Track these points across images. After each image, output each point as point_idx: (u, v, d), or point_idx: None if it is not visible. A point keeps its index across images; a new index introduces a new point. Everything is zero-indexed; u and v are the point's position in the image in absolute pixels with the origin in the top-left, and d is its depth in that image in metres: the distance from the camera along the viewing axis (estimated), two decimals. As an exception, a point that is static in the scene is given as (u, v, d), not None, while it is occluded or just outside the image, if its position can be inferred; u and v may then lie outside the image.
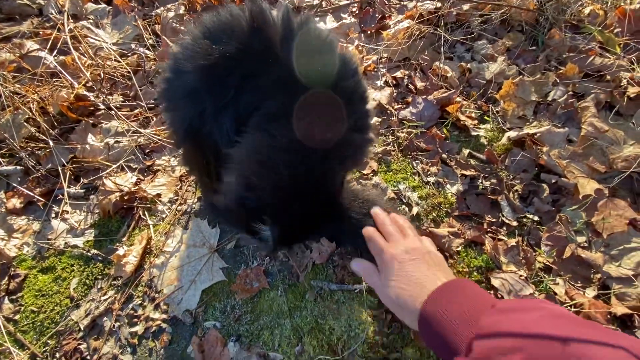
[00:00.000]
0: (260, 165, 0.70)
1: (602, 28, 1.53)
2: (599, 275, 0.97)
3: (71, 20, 1.57)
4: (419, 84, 1.44)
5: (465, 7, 1.62)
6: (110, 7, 1.78)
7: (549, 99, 1.35)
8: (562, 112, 1.30)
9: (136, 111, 1.36)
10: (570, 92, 1.35)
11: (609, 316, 0.88)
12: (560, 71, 1.42)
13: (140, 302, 0.95)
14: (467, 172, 1.18)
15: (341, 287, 0.95)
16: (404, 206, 1.12)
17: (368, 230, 0.81)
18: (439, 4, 1.63)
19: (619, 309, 0.88)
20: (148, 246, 1.04)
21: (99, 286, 0.98)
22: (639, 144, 1.20)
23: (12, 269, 1.00)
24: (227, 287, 0.97)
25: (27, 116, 1.25)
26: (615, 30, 1.55)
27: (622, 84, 1.34)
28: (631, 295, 0.92)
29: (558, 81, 1.39)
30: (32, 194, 1.12)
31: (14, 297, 0.96)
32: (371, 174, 1.21)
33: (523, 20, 1.60)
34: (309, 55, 0.72)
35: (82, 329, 0.90)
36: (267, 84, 0.71)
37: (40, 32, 1.57)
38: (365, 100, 0.84)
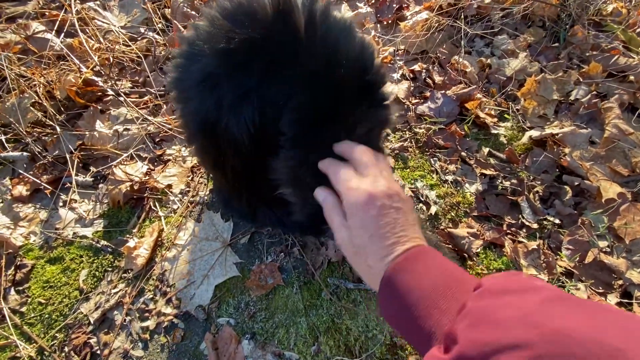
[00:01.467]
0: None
1: (625, 27, 1.49)
2: (620, 282, 0.95)
3: (78, 1, 1.51)
4: (437, 78, 1.40)
5: (487, 0, 1.57)
6: (118, -11, 1.72)
7: (572, 98, 1.32)
8: (585, 112, 1.27)
9: (145, 98, 1.31)
10: (593, 92, 1.32)
11: (632, 323, 0.86)
12: (583, 70, 1.38)
13: (151, 296, 0.92)
14: (487, 172, 1.15)
15: (358, 285, 0.93)
16: (421, 204, 1.10)
17: (327, 160, 0.62)
18: (459, -4, 1.58)
19: (643, 316, 0.86)
20: (159, 238, 1.01)
21: (109, 278, 0.95)
22: (662, 148, 1.17)
23: (19, 259, 0.97)
24: (241, 283, 0.94)
25: (33, 100, 1.21)
26: (638, 30, 1.51)
27: (645, 85, 1.31)
28: (654, 302, 0.90)
29: (580, 80, 1.35)
30: (39, 182, 1.09)
31: (20, 288, 0.93)
32: (387, 171, 1.18)
33: (545, 15, 1.56)
34: (333, 45, 0.68)
35: (92, 322, 0.87)
36: (293, 75, 0.67)
37: (46, 13, 1.51)
38: (385, 93, 0.79)
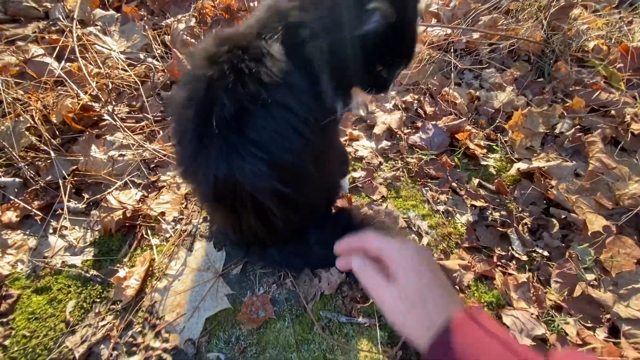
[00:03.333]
0: None
1: (606, 63, 1.57)
2: (608, 316, 0.96)
3: (79, 27, 1.54)
4: (429, 109, 1.45)
5: (475, 35, 1.64)
6: (119, 14, 1.76)
7: (557, 131, 1.37)
8: (570, 145, 1.32)
9: (142, 123, 1.33)
10: (577, 126, 1.37)
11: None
12: (567, 104, 1.44)
13: (140, 329, 0.90)
14: (477, 203, 1.17)
15: (350, 320, 0.93)
16: (413, 235, 1.11)
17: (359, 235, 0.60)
18: (448, 31, 1.66)
19: (631, 352, 0.87)
20: (150, 268, 1.00)
21: (96, 310, 0.93)
22: (644, 181, 1.21)
23: (4, 289, 0.94)
24: (232, 316, 0.93)
25: (28, 124, 1.21)
26: (619, 66, 1.59)
27: (626, 120, 1.37)
28: (641, 337, 0.91)
29: (565, 114, 1.41)
30: (30, 207, 1.07)
31: (4, 319, 0.90)
32: (380, 200, 1.20)
33: (530, 51, 1.63)
34: None
35: (77, 357, 0.85)
36: None
37: (46, 37, 1.53)
38: None
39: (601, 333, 0.93)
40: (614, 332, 0.94)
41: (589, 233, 1.08)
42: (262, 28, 0.71)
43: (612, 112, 1.40)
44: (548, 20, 1.61)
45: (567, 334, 0.92)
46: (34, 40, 1.58)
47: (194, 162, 0.73)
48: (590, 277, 1.02)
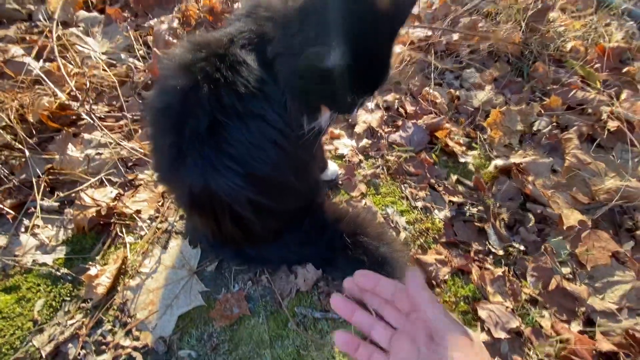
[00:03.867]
0: None
1: (583, 63, 1.60)
2: (583, 309, 0.96)
3: (60, 28, 1.53)
4: (409, 108, 1.46)
5: (455, 37, 1.67)
6: (103, 16, 1.76)
7: (534, 129, 1.39)
8: (547, 142, 1.33)
9: (121, 122, 1.32)
10: (554, 123, 1.39)
11: (594, 352, 0.87)
12: (545, 102, 1.46)
13: (110, 327, 0.89)
14: (455, 199, 1.18)
15: (325, 315, 0.92)
16: (392, 231, 1.11)
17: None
18: (429, 33, 1.68)
19: (604, 345, 0.87)
20: (123, 266, 0.98)
21: (66, 309, 0.91)
22: (619, 177, 1.23)
23: (-28, 288, 0.92)
24: (206, 313, 0.92)
25: (3, 123, 1.20)
26: (595, 66, 1.62)
27: (602, 118, 1.39)
28: (616, 330, 0.91)
29: (542, 112, 1.43)
30: (2, 206, 1.05)
31: (-30, 319, 0.88)
32: (360, 197, 1.20)
33: (509, 52, 1.66)
34: None
35: (44, 356, 0.83)
36: None
37: (27, 38, 1.53)
38: None
39: (576, 326, 0.93)
40: (589, 324, 0.94)
41: (565, 227, 1.09)
42: (239, 35, 0.69)
43: (589, 110, 1.43)
44: (526, 22, 1.65)
45: (542, 327, 0.92)
46: (14, 42, 1.57)
47: (171, 172, 0.73)
48: (565, 270, 1.03)
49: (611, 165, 1.27)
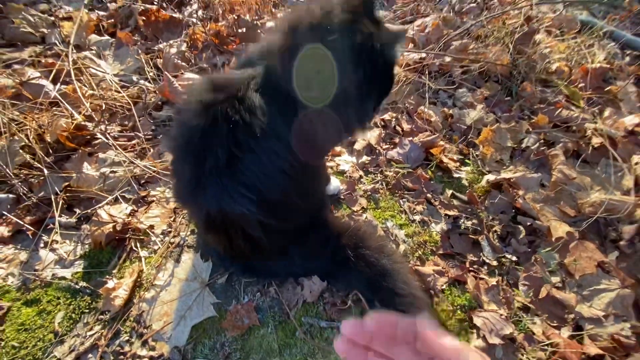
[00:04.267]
0: None
1: (568, 83, 1.71)
2: (572, 315, 1.03)
3: (74, 51, 1.62)
4: (406, 126, 1.55)
5: (447, 58, 1.77)
6: (114, 39, 1.85)
7: (523, 145, 1.48)
8: (535, 158, 1.42)
9: (134, 141, 1.39)
10: (542, 140, 1.48)
11: (583, 356, 0.93)
12: (533, 120, 1.56)
13: (127, 338, 0.94)
14: (450, 212, 1.25)
15: (330, 324, 0.97)
16: (392, 243, 1.17)
17: None
18: (423, 55, 1.79)
19: (592, 349, 0.93)
20: (139, 279, 1.04)
21: (85, 320, 0.96)
22: (603, 190, 1.31)
23: (-5, 301, 0.97)
24: (218, 323, 0.97)
25: (22, 143, 1.26)
26: (580, 85, 1.73)
27: (587, 135, 1.49)
28: (602, 335, 0.98)
29: (530, 130, 1.52)
30: (22, 223, 1.11)
31: (-6, 331, 0.93)
32: (361, 211, 1.27)
33: (499, 72, 1.77)
34: None
35: (64, 366, 0.87)
36: None
37: (42, 61, 1.61)
38: None
39: (566, 332, 0.99)
40: (578, 330, 1.00)
41: (554, 239, 1.17)
42: (252, 80, 0.78)
43: (574, 127, 1.52)
44: (514, 44, 1.76)
45: (534, 333, 0.98)
46: (30, 64, 1.65)
47: (191, 198, 0.82)
48: (555, 279, 1.10)
49: (596, 179, 1.35)
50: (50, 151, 1.31)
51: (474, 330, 0.99)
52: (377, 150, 1.46)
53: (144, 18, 1.88)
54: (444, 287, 1.07)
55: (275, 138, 0.75)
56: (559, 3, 1.98)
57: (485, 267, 1.13)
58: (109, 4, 2.10)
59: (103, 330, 0.94)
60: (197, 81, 0.83)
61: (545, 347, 0.93)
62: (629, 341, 0.95)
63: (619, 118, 1.54)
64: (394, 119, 1.57)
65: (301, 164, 0.80)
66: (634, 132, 1.51)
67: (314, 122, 0.78)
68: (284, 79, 0.75)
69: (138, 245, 1.12)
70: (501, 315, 1.00)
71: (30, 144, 1.27)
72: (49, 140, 1.31)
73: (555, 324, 1.01)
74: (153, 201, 1.23)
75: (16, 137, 1.28)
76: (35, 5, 2.16)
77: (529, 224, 1.21)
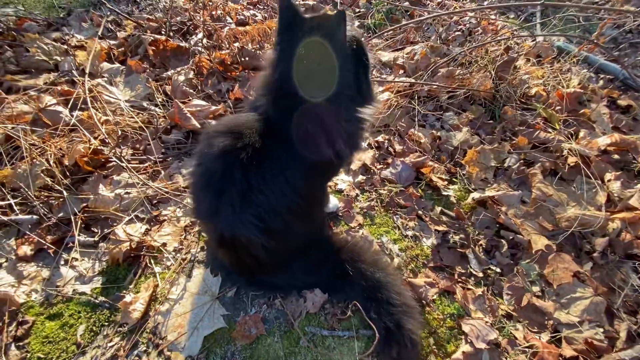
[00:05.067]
0: None
1: (545, 106, 1.86)
2: (551, 322, 1.13)
3: (88, 80, 1.73)
4: (397, 147, 1.67)
5: (435, 83, 1.92)
6: (124, 67, 1.98)
7: (506, 165, 1.61)
8: (516, 177, 1.55)
9: (146, 164, 1.49)
10: (522, 160, 1.62)
11: (560, 358, 1.02)
12: (514, 141, 1.70)
13: (144, 348, 1.01)
14: (440, 228, 1.36)
15: (332, 333, 1.06)
16: (386, 257, 1.27)
17: None
18: (413, 80, 1.94)
19: (568, 351, 1.03)
20: (154, 293, 1.12)
21: (105, 333, 1.04)
22: (579, 206, 1.44)
23: (20, 316, 1.04)
24: (228, 334, 1.05)
25: (43, 167, 1.36)
26: (557, 108, 1.88)
27: (563, 154, 1.62)
28: (578, 339, 1.08)
29: (512, 150, 1.66)
30: (44, 242, 1.20)
31: (20, 343, 1.00)
32: (357, 227, 1.37)
33: (482, 97, 1.92)
34: None
35: (87, 375, 0.95)
36: None
37: (59, 88, 1.72)
38: None
39: (545, 336, 1.09)
40: (556, 334, 1.10)
41: (534, 251, 1.28)
42: (262, 119, 0.94)
43: (551, 147, 1.66)
44: (495, 71, 1.92)
45: (516, 338, 1.08)
46: (45, 91, 1.76)
47: (208, 220, 0.96)
48: (535, 289, 1.20)
49: (572, 195, 1.48)
50: (68, 174, 1.41)
51: (463, 337, 1.08)
52: (371, 170, 1.58)
53: (153, 48, 2.01)
54: (434, 297, 1.16)
55: (284, 182, 0.89)
56: (537, 36, 2.15)
57: (472, 278, 1.24)
58: (117, 33, 2.24)
59: (122, 342, 1.02)
60: (213, 125, 0.99)
61: (526, 350, 1.03)
62: (602, 344, 1.05)
63: (593, 138, 1.68)
64: (386, 141, 1.70)
65: (305, 198, 0.93)
66: (607, 151, 1.66)
67: (320, 145, 0.91)
68: (276, 118, 0.91)
69: (152, 261, 1.21)
70: (487, 322, 1.10)
71: (50, 167, 1.36)
72: (67, 164, 1.41)
73: (535, 330, 1.11)
74: (165, 220, 1.33)
75: (36, 161, 1.37)
76: (47, 33, 2.30)
77: (511, 237, 1.32)
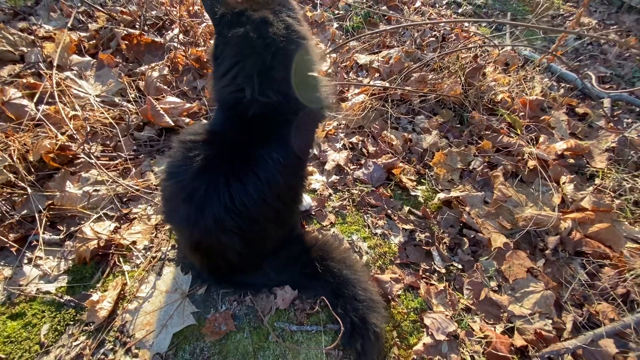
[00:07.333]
0: None
1: (510, 112, 1.97)
2: (506, 314, 1.21)
3: (56, 72, 1.68)
4: (371, 149, 1.73)
5: (408, 87, 1.99)
6: (95, 60, 1.93)
7: (471, 167, 1.69)
8: (480, 178, 1.64)
9: (116, 161, 1.47)
10: (486, 162, 1.71)
11: (511, 348, 1.11)
12: (479, 145, 1.79)
13: (111, 347, 1.01)
14: (407, 226, 1.43)
15: (300, 328, 1.10)
16: (356, 255, 1.32)
17: None
18: (387, 84, 2.00)
19: (518, 341, 1.11)
20: (122, 292, 1.12)
21: (70, 332, 1.03)
22: (536, 207, 1.54)
23: (-21, 316, 1.01)
24: (197, 330, 1.07)
25: (6, 163, 1.31)
26: (521, 114, 2.00)
27: (524, 158, 1.73)
28: (529, 330, 1.17)
29: (477, 153, 1.75)
30: (5, 240, 1.16)
31: (-21, 344, 0.97)
32: (329, 225, 1.41)
33: (452, 101, 2.01)
34: None
35: (51, 375, 0.94)
36: None
37: (24, 80, 1.66)
38: None
39: (499, 328, 1.17)
40: (510, 325, 1.18)
41: (493, 249, 1.36)
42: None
43: (513, 151, 1.77)
44: (465, 77, 2.01)
45: (473, 330, 1.15)
46: (9, 83, 1.69)
47: (184, 226, 0.96)
48: (493, 284, 1.29)
49: (530, 197, 1.58)
50: (32, 170, 1.37)
51: (424, 329, 1.15)
52: (345, 171, 1.62)
53: (126, 42, 1.97)
54: (399, 292, 1.22)
55: (264, 190, 0.91)
56: (504, 47, 2.27)
57: (436, 274, 1.30)
58: (89, 25, 2.17)
59: (88, 341, 1.01)
60: (193, 127, 1.00)
61: (481, 341, 1.11)
62: (550, 334, 1.14)
63: (551, 143, 1.80)
64: (360, 142, 1.75)
65: (285, 202, 0.98)
66: (564, 155, 1.78)
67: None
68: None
69: (121, 260, 1.20)
70: (447, 315, 1.17)
71: (13, 163, 1.32)
72: (32, 160, 1.36)
73: (491, 322, 1.19)
74: (135, 218, 1.32)
75: (-1, 157, 1.33)
76: (12, 22, 2.20)
77: (472, 236, 1.40)
